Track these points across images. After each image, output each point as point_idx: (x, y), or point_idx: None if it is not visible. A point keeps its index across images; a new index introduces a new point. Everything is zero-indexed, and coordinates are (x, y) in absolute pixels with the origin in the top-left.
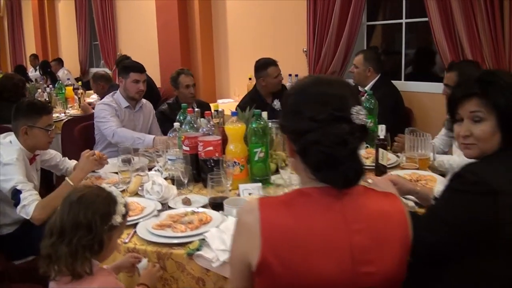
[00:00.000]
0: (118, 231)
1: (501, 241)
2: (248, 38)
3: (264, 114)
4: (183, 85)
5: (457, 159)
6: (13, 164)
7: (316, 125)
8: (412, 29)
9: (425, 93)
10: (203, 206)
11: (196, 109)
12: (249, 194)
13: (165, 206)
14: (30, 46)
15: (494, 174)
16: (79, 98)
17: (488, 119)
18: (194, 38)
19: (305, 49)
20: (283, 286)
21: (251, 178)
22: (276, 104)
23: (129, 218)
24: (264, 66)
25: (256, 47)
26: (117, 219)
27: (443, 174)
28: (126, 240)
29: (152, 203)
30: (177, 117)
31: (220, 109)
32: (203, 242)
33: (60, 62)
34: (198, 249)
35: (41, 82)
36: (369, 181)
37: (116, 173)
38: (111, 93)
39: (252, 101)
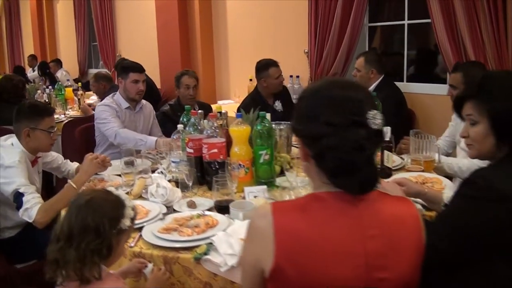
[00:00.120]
0: (126, 235)
1: None
2: (249, 39)
3: (268, 116)
4: (183, 85)
5: (466, 162)
6: (15, 167)
7: (332, 130)
8: (410, 30)
9: (427, 94)
10: (209, 209)
11: (200, 111)
12: (255, 196)
13: (170, 209)
14: (29, 46)
15: (505, 180)
16: (78, 99)
17: (481, 122)
18: (194, 39)
19: (306, 50)
20: None
21: (256, 180)
22: (278, 105)
23: None
24: (265, 66)
25: (256, 48)
26: (126, 222)
27: (447, 176)
28: (132, 244)
29: (157, 206)
30: (181, 119)
31: (223, 111)
32: (210, 246)
33: (58, 63)
34: (205, 253)
35: (40, 83)
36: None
37: (119, 175)
38: (111, 95)
39: (253, 102)
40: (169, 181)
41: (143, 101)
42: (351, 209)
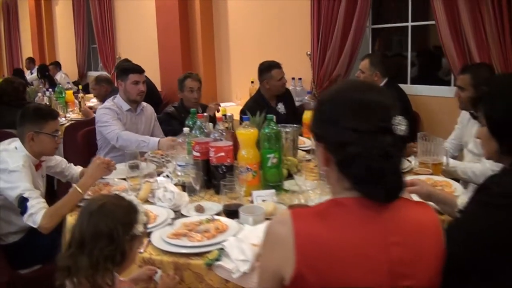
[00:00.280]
0: (139, 241)
1: None
2: (250, 41)
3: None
4: (187, 88)
5: (479, 166)
6: (19, 171)
7: (359, 136)
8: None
9: (431, 96)
10: (217, 214)
11: (205, 114)
12: (263, 200)
13: (178, 214)
14: (27, 49)
15: None
16: (79, 102)
17: (484, 125)
18: (195, 41)
19: (308, 53)
20: None
21: (264, 184)
22: (280, 107)
23: None
24: (268, 68)
25: (258, 50)
26: (139, 228)
27: (454, 179)
28: (141, 250)
29: (165, 211)
30: (186, 122)
31: (229, 114)
32: (221, 252)
33: (57, 66)
34: (217, 259)
35: (40, 86)
36: None
37: (123, 179)
38: (111, 97)
39: (257, 105)
40: (175, 185)
41: (144, 103)
42: (373, 216)
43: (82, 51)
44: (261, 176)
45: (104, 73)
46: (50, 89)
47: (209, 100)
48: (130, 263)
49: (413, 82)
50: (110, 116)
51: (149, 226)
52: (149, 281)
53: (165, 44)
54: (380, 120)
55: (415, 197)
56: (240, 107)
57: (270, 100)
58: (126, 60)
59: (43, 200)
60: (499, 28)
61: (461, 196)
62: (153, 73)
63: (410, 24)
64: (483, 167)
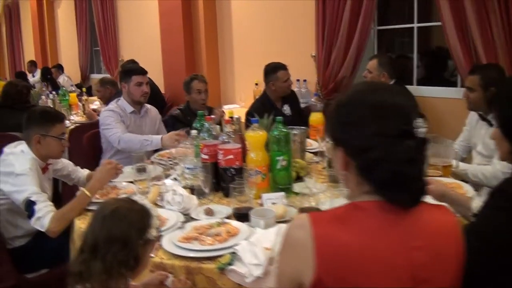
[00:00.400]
0: (152, 246)
1: None
2: (254, 43)
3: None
4: (194, 90)
5: (490, 168)
6: (26, 175)
7: (382, 141)
8: (410, 34)
9: (438, 98)
10: (227, 217)
11: (213, 116)
12: (273, 203)
13: (187, 217)
14: (29, 52)
15: None
16: (83, 104)
17: (498, 126)
18: (198, 43)
19: (313, 54)
20: None
21: (273, 187)
22: (286, 109)
23: None
24: (273, 70)
25: (262, 52)
26: (153, 232)
27: (464, 180)
28: (152, 255)
29: (174, 214)
30: (193, 124)
31: (236, 116)
32: (234, 256)
33: (60, 69)
34: (230, 264)
35: (43, 89)
36: None
37: (131, 182)
38: (115, 100)
39: (263, 107)
40: (183, 188)
41: (148, 105)
42: (394, 220)
43: (84, 53)
44: (270, 179)
45: (108, 75)
46: (54, 92)
47: (213, 102)
48: (143, 268)
49: (419, 83)
50: (113, 119)
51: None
52: (161, 286)
53: (168, 46)
54: (402, 123)
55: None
56: (244, 109)
57: (275, 101)
58: (132, 61)
59: (51, 203)
60: (506, 28)
61: (476, 199)
62: (156, 75)
63: (416, 25)
64: (493, 169)
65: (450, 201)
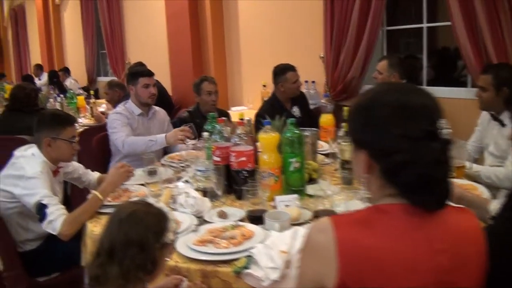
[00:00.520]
0: (169, 250)
1: None
2: (262, 45)
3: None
4: (205, 92)
5: (503, 170)
6: (37, 178)
7: (408, 143)
8: (416, 34)
9: (448, 98)
10: (240, 220)
11: (224, 118)
12: (286, 206)
13: (200, 220)
14: (35, 55)
15: None
16: (91, 107)
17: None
18: (205, 45)
19: (321, 55)
20: None
21: (286, 189)
22: (295, 110)
23: None
24: (282, 71)
25: (270, 54)
26: (170, 236)
27: (476, 181)
28: (167, 258)
29: (187, 217)
30: (205, 126)
31: (247, 118)
32: (250, 259)
33: (66, 72)
34: (246, 267)
35: (51, 92)
36: None
37: (142, 184)
38: (122, 102)
39: (272, 108)
40: (195, 190)
41: (156, 107)
42: (418, 223)
43: (91, 56)
44: (283, 181)
45: (115, 78)
46: (62, 95)
47: (221, 104)
48: (160, 272)
49: (428, 84)
50: (119, 122)
51: None
52: None
53: (175, 49)
54: (427, 124)
55: None
56: (252, 111)
57: (285, 103)
58: (140, 64)
59: (62, 206)
60: None
61: (493, 202)
62: (163, 78)
63: (425, 25)
64: (506, 170)
65: (468, 203)
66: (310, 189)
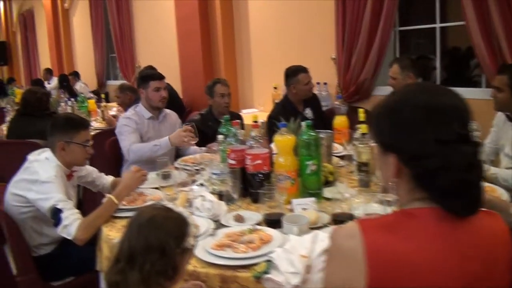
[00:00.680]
0: (189, 255)
1: None
2: (273, 47)
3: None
4: (218, 94)
5: None
6: (51, 182)
7: (441, 147)
8: (426, 35)
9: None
10: (257, 223)
11: (239, 121)
12: (303, 209)
13: (217, 224)
14: (45, 60)
15: None
16: (102, 111)
17: None
18: (216, 48)
19: (333, 56)
20: None
21: (303, 192)
22: (308, 112)
23: None
24: (294, 73)
25: (280, 56)
26: (191, 241)
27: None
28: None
29: (204, 221)
30: (219, 129)
31: (261, 120)
32: (270, 264)
33: (76, 76)
34: (266, 272)
35: (61, 96)
36: None
37: (156, 188)
38: (133, 106)
39: (284, 110)
40: (211, 193)
41: (167, 110)
42: (448, 228)
43: (100, 60)
44: (299, 184)
45: (125, 81)
46: (72, 99)
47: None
48: (180, 278)
49: (442, 84)
50: (128, 128)
51: None
52: None
53: (185, 51)
54: (459, 126)
55: None
56: (263, 114)
57: (297, 105)
58: (150, 67)
59: (77, 211)
60: None
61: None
62: (174, 80)
63: (438, 25)
64: None
65: (490, 206)
66: (327, 192)
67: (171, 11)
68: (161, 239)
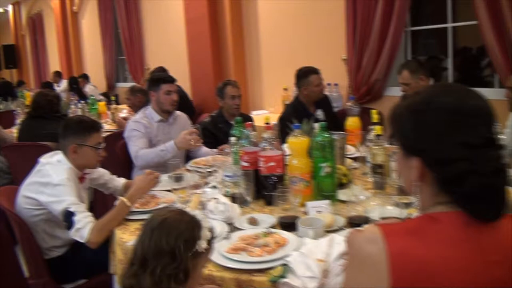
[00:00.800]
0: (204, 259)
1: None
2: (282, 47)
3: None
4: (228, 96)
5: None
6: (64, 185)
7: (469, 151)
8: (435, 35)
9: None
10: (272, 226)
11: (251, 123)
12: (318, 212)
13: (231, 227)
14: (54, 63)
15: None
16: (112, 113)
17: None
18: (225, 49)
19: (344, 57)
20: None
21: (317, 194)
22: (320, 114)
23: None
24: (305, 74)
25: (290, 57)
26: (202, 244)
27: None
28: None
29: (218, 223)
30: (231, 131)
31: (274, 122)
32: (286, 268)
33: (86, 78)
34: (282, 276)
35: (71, 98)
36: None
37: (168, 190)
38: (143, 109)
39: (295, 111)
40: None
41: (178, 112)
42: (473, 232)
43: (110, 63)
44: (314, 186)
45: (135, 84)
46: (82, 101)
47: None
48: (195, 282)
49: None
50: (136, 133)
51: None
52: None
53: (195, 53)
54: (486, 130)
55: None
56: (273, 115)
57: (308, 106)
58: (161, 69)
59: (90, 214)
60: None
61: None
62: (183, 82)
63: (449, 25)
64: None
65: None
66: (342, 194)
67: (180, 13)
68: (172, 243)
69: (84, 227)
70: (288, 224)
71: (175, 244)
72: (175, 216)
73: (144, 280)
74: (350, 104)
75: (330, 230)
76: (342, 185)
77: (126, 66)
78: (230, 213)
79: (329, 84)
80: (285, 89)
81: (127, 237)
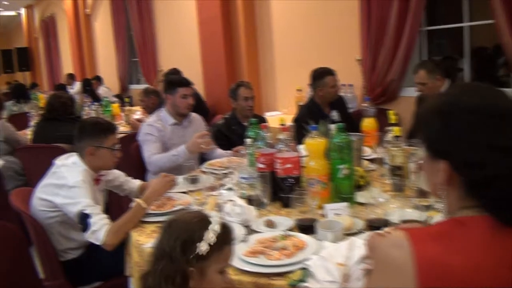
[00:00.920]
0: (215, 262)
1: None
2: (296, 48)
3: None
4: (241, 97)
5: None
6: (79, 187)
7: (498, 154)
8: (449, 34)
9: None
10: (289, 229)
11: (267, 124)
12: (336, 214)
13: (247, 229)
14: (67, 65)
15: None
16: (126, 115)
17: None
18: (238, 51)
19: (358, 58)
20: None
21: (335, 196)
22: (335, 115)
23: None
24: (320, 75)
25: (304, 57)
26: (202, 247)
27: None
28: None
29: (235, 226)
30: (247, 132)
31: (289, 123)
32: (306, 272)
33: (99, 80)
34: (302, 280)
35: (85, 100)
36: None
37: (184, 192)
38: (157, 111)
39: (310, 112)
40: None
41: (193, 114)
42: (500, 237)
43: (123, 65)
44: (331, 188)
45: (148, 85)
46: (96, 103)
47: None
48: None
49: None
50: (150, 137)
51: None
52: None
53: (208, 55)
54: None
55: None
56: (287, 116)
57: (323, 107)
58: (175, 71)
59: (105, 216)
60: None
61: None
62: (197, 84)
63: (465, 24)
64: None
65: None
66: (360, 196)
67: (193, 14)
68: (171, 245)
69: (100, 229)
70: (306, 227)
71: (173, 246)
72: (184, 218)
73: (148, 281)
74: (365, 105)
75: (349, 233)
76: (359, 187)
77: (139, 67)
78: (247, 215)
79: (343, 85)
80: (299, 90)
81: (143, 240)
